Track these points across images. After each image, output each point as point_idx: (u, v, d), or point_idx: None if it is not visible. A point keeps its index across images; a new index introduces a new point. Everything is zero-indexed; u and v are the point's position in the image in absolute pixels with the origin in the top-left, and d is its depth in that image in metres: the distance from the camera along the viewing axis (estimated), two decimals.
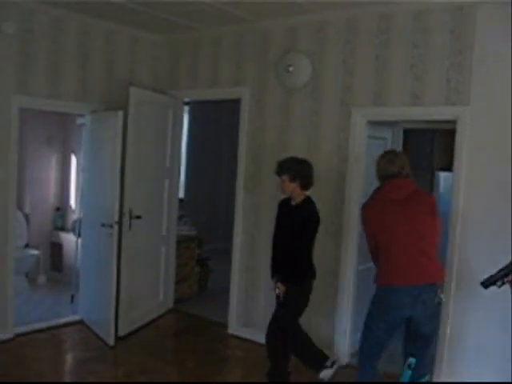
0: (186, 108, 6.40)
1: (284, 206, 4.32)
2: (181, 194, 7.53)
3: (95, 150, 5.62)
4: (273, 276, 4.25)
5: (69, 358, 5.11)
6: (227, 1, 4.70)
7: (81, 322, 5.74)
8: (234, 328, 5.63)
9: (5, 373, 4.41)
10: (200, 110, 6.40)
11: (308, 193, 4.23)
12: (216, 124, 9.66)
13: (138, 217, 5.29)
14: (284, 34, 5.20)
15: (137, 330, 5.55)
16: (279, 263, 4.23)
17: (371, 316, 3.68)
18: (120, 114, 5.01)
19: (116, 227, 5.06)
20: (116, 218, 5.06)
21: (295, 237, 4.08)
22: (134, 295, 5.43)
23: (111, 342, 5.12)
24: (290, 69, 5.02)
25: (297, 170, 4.13)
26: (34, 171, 7.20)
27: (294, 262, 4.11)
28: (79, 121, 6.70)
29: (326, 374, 4.36)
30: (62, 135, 7.41)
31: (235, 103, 5.63)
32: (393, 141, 5.54)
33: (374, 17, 4.65)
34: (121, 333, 5.31)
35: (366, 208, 3.78)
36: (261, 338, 5.31)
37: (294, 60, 5.03)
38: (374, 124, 4.94)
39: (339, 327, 4.93)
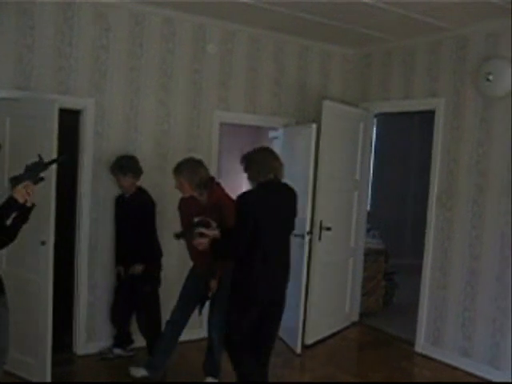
0: (374, 120, 6.36)
1: (120, 201, 4.79)
2: (367, 207, 7.48)
3: (287, 162, 5.75)
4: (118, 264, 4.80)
5: None
6: (423, 10, 4.60)
7: None
8: (422, 346, 5.43)
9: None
10: (388, 121, 6.36)
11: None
12: (404, 136, 9.49)
13: (328, 228, 5.34)
14: (483, 39, 4.94)
15: (323, 340, 5.62)
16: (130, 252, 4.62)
17: None
18: (314, 126, 5.12)
19: (307, 237, 5.16)
20: (308, 229, 5.16)
21: (141, 225, 4.59)
22: (321, 305, 5.50)
23: (298, 349, 5.22)
24: (490, 77, 4.74)
25: (129, 164, 4.59)
26: (226, 183, 7.60)
27: (146, 247, 4.62)
28: (271, 134, 6.96)
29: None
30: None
31: (424, 115, 5.46)
32: None
33: None
34: (307, 341, 5.40)
35: None
36: (451, 359, 5.12)
37: (494, 67, 4.74)
38: None
39: None
